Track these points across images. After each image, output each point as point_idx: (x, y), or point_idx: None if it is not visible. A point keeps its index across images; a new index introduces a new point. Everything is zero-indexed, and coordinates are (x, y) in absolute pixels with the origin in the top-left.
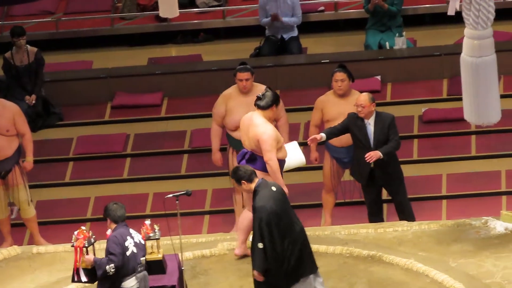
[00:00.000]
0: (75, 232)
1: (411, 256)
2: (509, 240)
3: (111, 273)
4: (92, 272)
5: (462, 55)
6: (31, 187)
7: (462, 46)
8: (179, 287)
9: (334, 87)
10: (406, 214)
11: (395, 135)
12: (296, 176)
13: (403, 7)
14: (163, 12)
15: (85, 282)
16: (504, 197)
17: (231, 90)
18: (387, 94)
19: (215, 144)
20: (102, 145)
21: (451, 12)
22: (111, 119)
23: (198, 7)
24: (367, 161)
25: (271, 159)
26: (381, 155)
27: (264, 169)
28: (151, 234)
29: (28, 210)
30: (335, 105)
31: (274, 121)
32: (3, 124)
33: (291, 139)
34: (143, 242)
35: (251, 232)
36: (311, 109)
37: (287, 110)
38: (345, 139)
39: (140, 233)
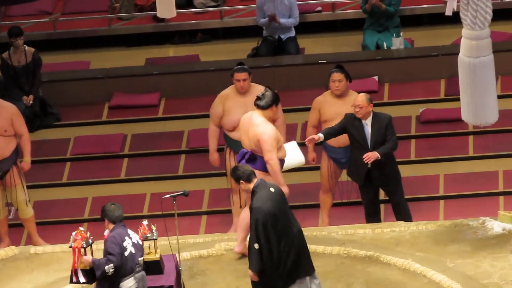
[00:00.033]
0: (73, 233)
1: (409, 256)
2: (507, 240)
3: (110, 273)
4: (90, 273)
5: (460, 55)
6: (28, 187)
7: (460, 47)
8: (176, 287)
9: (332, 88)
10: (403, 215)
11: (392, 135)
12: (294, 176)
13: (400, 8)
14: (160, 13)
15: (83, 283)
16: (501, 198)
17: (229, 91)
18: (384, 95)
19: (213, 144)
20: (100, 145)
21: (448, 12)
22: (109, 120)
23: (195, 8)
24: (365, 161)
25: (271, 158)
26: (379, 156)
27: (263, 169)
28: (148, 235)
29: (26, 210)
30: (333, 106)
31: (272, 121)
32: (1, 124)
33: (288, 139)
34: (140, 242)
35: None
36: (308, 109)
37: (285, 111)
38: (342, 140)
39: (137, 233)
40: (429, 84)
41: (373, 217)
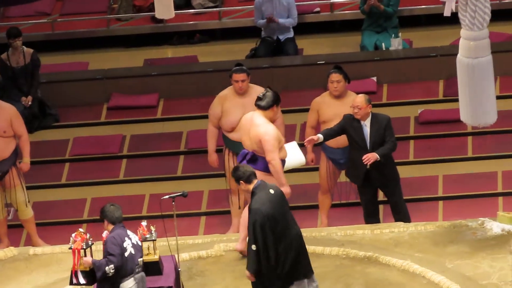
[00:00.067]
0: (73, 235)
1: (408, 257)
2: (506, 241)
3: (110, 274)
4: (90, 274)
5: (458, 56)
6: (27, 188)
7: (458, 47)
8: None
9: (330, 88)
10: (402, 215)
11: (391, 136)
12: (293, 177)
13: (399, 8)
14: (159, 13)
15: (83, 285)
16: (500, 198)
17: (227, 91)
18: (383, 95)
19: (211, 145)
20: (98, 146)
21: (447, 13)
22: (107, 120)
23: (194, 8)
24: (365, 163)
25: (274, 159)
26: (378, 157)
27: (265, 169)
28: (147, 235)
29: (26, 211)
30: (331, 106)
31: (271, 122)
32: (0, 125)
33: (287, 140)
34: (140, 243)
35: None
36: (307, 110)
37: (283, 111)
38: (341, 140)
39: (136, 234)
40: (428, 85)
41: (372, 217)
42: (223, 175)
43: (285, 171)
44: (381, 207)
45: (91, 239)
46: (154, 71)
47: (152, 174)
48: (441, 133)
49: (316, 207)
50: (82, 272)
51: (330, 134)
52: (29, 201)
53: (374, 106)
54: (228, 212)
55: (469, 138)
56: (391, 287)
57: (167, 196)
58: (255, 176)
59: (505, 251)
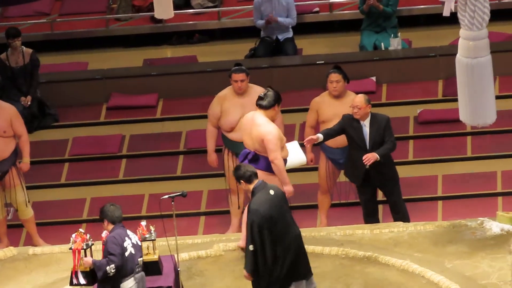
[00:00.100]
0: (73, 235)
1: (407, 257)
2: (505, 241)
3: (111, 273)
4: (90, 275)
5: (458, 56)
6: (27, 188)
7: (458, 47)
8: None
9: (329, 88)
10: (401, 215)
11: (390, 136)
12: (292, 177)
13: (398, 8)
14: (158, 13)
15: (83, 285)
16: (499, 198)
17: (226, 91)
18: (382, 95)
19: (211, 145)
20: (98, 146)
21: (446, 13)
22: (107, 120)
23: (193, 8)
24: (365, 163)
25: (276, 158)
26: (378, 157)
27: (266, 169)
28: (147, 235)
29: (26, 211)
30: (330, 106)
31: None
32: (0, 125)
33: (286, 140)
34: (139, 243)
35: None
36: (306, 110)
37: (282, 111)
38: (340, 140)
39: (136, 234)
40: (427, 85)
41: (371, 217)
42: (223, 175)
43: (286, 171)
44: (380, 207)
45: (91, 239)
46: (153, 71)
47: (151, 174)
48: (440, 133)
49: (315, 207)
50: (82, 272)
51: (330, 134)
52: (29, 201)
53: (374, 106)
54: (228, 212)
55: (468, 138)
56: (390, 287)
57: (166, 196)
58: (256, 176)
59: (505, 251)
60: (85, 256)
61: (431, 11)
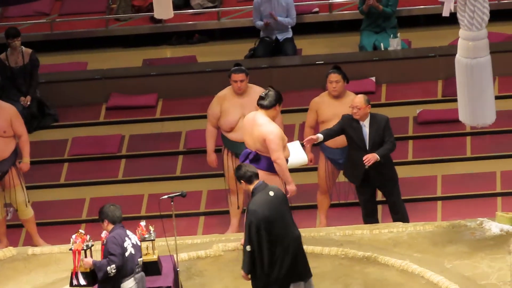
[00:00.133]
0: (73, 236)
1: (407, 257)
2: (504, 241)
3: (112, 274)
4: (90, 275)
5: (457, 56)
6: (26, 188)
7: (457, 47)
8: None
9: (329, 89)
10: (400, 215)
11: (390, 136)
12: (291, 177)
13: (397, 8)
14: (157, 13)
15: (83, 286)
16: (499, 198)
17: (226, 91)
18: (381, 95)
19: (210, 145)
20: (97, 146)
21: (445, 13)
22: (106, 120)
23: (192, 9)
24: (365, 164)
25: (279, 158)
26: (378, 157)
27: (267, 169)
28: (146, 235)
29: (26, 211)
30: (330, 106)
31: None
32: (0, 125)
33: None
34: (139, 243)
35: None
36: (306, 110)
37: (282, 111)
38: (340, 140)
39: (135, 234)
40: (427, 85)
41: (370, 217)
42: (222, 175)
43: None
44: (379, 207)
45: (90, 240)
46: (153, 71)
47: (151, 174)
48: (439, 133)
49: (315, 207)
50: (82, 273)
51: (330, 134)
52: (29, 201)
53: (373, 106)
54: (227, 212)
55: (468, 138)
56: (390, 287)
57: (166, 196)
58: (256, 177)
59: (504, 251)
60: (85, 257)
61: (431, 12)
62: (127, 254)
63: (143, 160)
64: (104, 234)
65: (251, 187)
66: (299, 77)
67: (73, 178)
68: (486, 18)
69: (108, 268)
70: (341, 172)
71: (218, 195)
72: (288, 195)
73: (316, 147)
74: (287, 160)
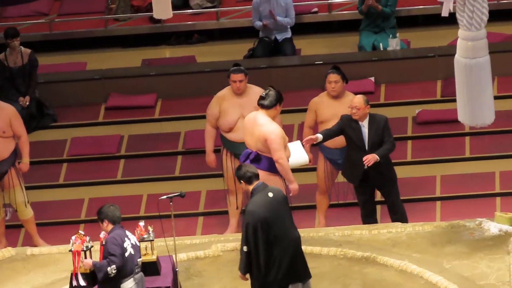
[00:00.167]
0: (73, 237)
1: (405, 257)
2: (503, 241)
3: (112, 274)
4: (90, 276)
5: (456, 56)
6: (25, 188)
7: (456, 48)
8: None
9: (328, 89)
10: (399, 215)
11: (389, 136)
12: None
13: (396, 9)
14: (157, 14)
15: (83, 287)
16: (498, 199)
17: (225, 92)
18: (381, 96)
19: (209, 145)
20: (96, 146)
21: (445, 13)
22: (105, 121)
23: (192, 9)
24: (365, 164)
25: (281, 157)
26: (378, 158)
27: (268, 169)
28: (145, 236)
29: (25, 211)
30: (329, 107)
31: None
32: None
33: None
34: (138, 243)
35: None
36: (305, 110)
37: (281, 112)
38: (339, 141)
39: (134, 234)
40: (426, 85)
41: (369, 217)
42: (221, 175)
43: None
44: (378, 207)
45: (90, 241)
46: (152, 71)
47: (150, 174)
48: (439, 133)
49: (314, 207)
50: (82, 274)
51: (329, 135)
52: (28, 201)
53: (372, 106)
54: (226, 213)
55: (467, 138)
56: (388, 287)
57: (164, 197)
58: (256, 178)
59: (503, 252)
60: (85, 258)
61: (430, 12)
62: (126, 254)
63: (142, 160)
64: (102, 234)
65: (251, 187)
66: (298, 77)
67: (72, 178)
68: (485, 18)
69: (109, 268)
70: (340, 172)
71: (217, 195)
72: (290, 194)
73: (315, 147)
74: (288, 160)
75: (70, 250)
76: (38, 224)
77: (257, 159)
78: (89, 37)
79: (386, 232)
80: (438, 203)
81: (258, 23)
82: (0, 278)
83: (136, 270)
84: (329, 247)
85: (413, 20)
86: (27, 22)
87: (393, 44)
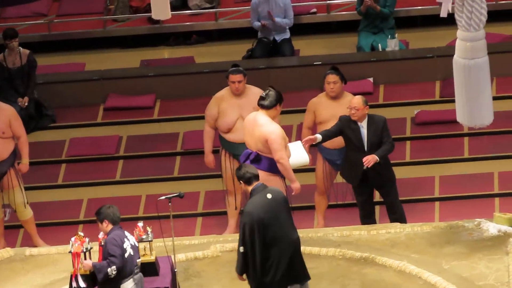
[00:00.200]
0: (72, 239)
1: (404, 258)
2: (502, 242)
3: (112, 275)
4: (90, 278)
5: (455, 57)
6: (24, 189)
7: (455, 48)
8: None
9: (327, 89)
10: (397, 216)
11: (388, 137)
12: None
13: (395, 9)
14: (155, 14)
15: None
16: (496, 199)
17: (224, 92)
18: (379, 96)
19: (208, 146)
20: (95, 147)
21: (443, 14)
22: (104, 121)
23: (190, 9)
24: (365, 165)
25: (282, 157)
26: (378, 158)
27: (268, 169)
28: (144, 236)
29: (25, 212)
30: (328, 107)
31: None
32: None
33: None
34: (137, 244)
35: None
36: (303, 111)
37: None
38: (337, 141)
39: (133, 235)
40: (424, 86)
41: (368, 218)
42: (220, 176)
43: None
44: (377, 208)
45: (89, 243)
46: (150, 72)
47: (148, 175)
48: (437, 134)
49: (312, 208)
50: (82, 275)
51: (328, 135)
52: (27, 202)
53: (371, 107)
54: (225, 213)
55: (466, 139)
56: None
57: (163, 197)
58: (256, 178)
59: (502, 252)
60: (85, 259)
61: (429, 12)
62: (126, 255)
63: (141, 161)
64: (101, 235)
65: (250, 188)
66: (297, 78)
67: (70, 179)
68: (484, 19)
69: (109, 269)
70: (339, 173)
71: (216, 196)
72: (293, 193)
73: (314, 148)
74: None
75: (70, 252)
76: (37, 225)
77: (257, 159)
78: (87, 38)
79: (385, 233)
80: (437, 203)
81: (257, 24)
82: None
83: (136, 271)
84: (327, 248)
85: (411, 20)
86: (26, 22)
87: (392, 44)
